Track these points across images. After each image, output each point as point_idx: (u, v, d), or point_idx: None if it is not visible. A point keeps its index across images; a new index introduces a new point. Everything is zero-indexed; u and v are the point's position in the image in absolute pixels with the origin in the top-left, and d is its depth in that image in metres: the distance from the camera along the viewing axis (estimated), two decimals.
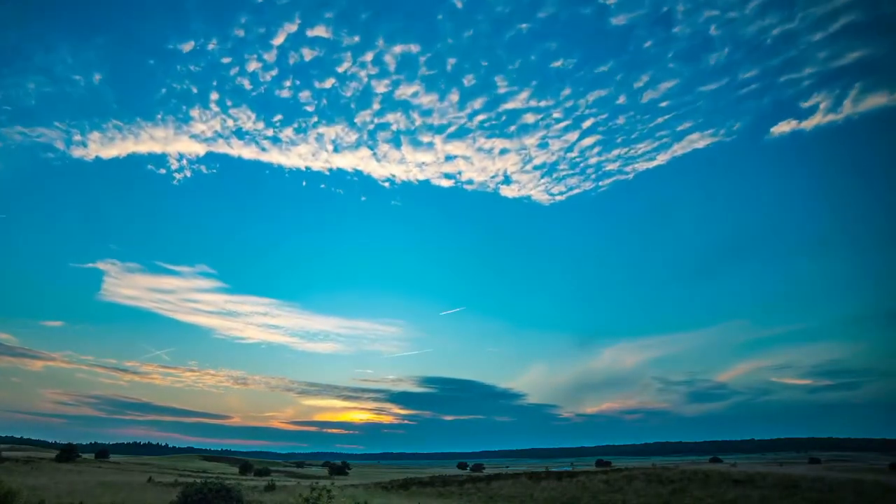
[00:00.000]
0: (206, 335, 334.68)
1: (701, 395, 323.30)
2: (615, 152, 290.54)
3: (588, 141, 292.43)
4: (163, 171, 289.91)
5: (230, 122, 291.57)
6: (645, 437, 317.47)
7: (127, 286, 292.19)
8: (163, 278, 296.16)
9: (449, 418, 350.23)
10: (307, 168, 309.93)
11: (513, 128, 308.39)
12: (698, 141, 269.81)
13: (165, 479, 34.68)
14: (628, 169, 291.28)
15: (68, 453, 50.19)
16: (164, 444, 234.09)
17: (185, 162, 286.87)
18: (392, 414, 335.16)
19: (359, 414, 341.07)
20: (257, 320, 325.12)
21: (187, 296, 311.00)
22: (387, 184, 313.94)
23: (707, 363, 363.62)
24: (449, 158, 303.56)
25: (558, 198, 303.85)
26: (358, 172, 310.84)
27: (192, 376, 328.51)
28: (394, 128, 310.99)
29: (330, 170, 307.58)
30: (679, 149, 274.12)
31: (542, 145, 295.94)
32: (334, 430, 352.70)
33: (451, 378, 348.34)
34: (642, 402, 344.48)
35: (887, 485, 26.10)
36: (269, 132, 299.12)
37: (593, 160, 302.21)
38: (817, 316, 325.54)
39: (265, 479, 47.93)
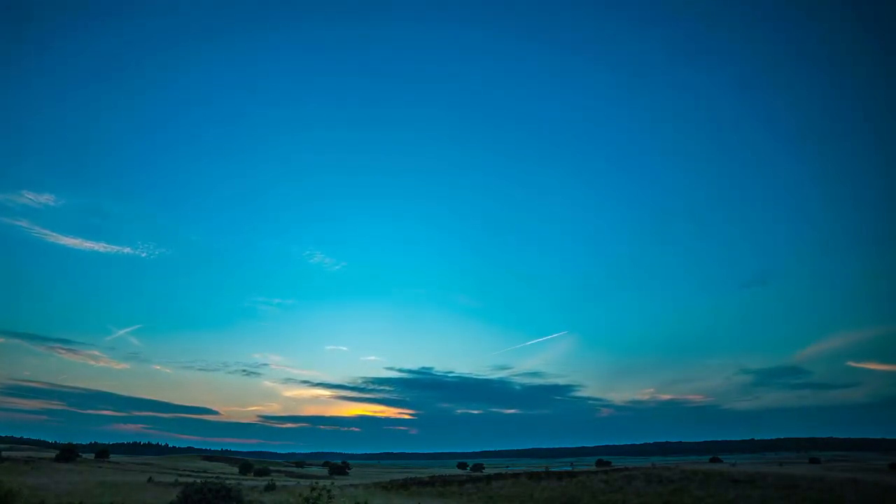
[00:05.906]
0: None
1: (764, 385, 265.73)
2: None
3: None
4: None
5: None
6: (670, 434, 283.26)
7: None
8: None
9: (459, 412, 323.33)
10: None
11: None
12: None
13: (165, 479, 34.67)
14: None
15: (68, 453, 50.18)
16: (164, 444, 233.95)
17: None
18: (391, 406, 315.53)
19: (353, 409, 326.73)
20: None
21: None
22: None
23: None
24: None
25: None
26: None
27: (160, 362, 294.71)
28: None
29: None
30: None
31: None
32: (329, 427, 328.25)
33: (448, 369, 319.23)
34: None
35: (887, 485, 26.09)
36: None
37: None
38: None
39: (265, 478, 47.91)
